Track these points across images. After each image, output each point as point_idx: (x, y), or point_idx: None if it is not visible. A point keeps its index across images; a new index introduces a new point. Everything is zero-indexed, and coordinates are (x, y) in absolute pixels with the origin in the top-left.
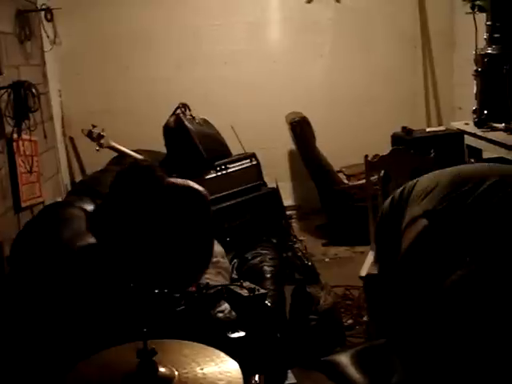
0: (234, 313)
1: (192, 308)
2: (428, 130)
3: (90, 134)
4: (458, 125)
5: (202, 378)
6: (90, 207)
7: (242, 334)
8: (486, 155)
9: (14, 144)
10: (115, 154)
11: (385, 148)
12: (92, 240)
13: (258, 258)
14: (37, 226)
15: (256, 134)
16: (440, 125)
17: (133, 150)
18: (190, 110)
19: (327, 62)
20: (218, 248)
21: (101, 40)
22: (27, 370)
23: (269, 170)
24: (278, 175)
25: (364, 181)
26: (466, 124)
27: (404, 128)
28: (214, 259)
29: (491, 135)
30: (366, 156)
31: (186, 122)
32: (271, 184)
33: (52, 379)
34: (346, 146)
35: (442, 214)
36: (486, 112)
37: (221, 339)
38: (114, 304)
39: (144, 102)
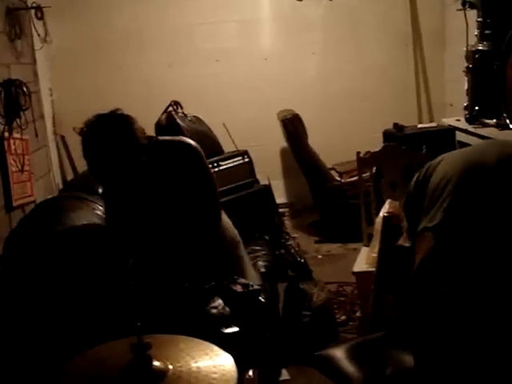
0: (227, 308)
1: (186, 304)
2: (419, 126)
3: (82, 132)
4: (449, 121)
5: (196, 372)
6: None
7: (235, 329)
8: None
9: (5, 143)
10: None
11: (377, 145)
12: (88, 232)
13: (252, 255)
14: (29, 224)
15: (248, 131)
16: (431, 121)
17: None
18: (181, 108)
19: (319, 59)
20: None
21: (92, 38)
22: (22, 365)
23: (261, 168)
24: (271, 173)
25: (356, 178)
26: (458, 120)
27: (395, 124)
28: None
29: (482, 131)
30: (358, 153)
31: (178, 120)
32: (263, 181)
33: (47, 374)
34: (338, 143)
35: (445, 229)
36: (477, 108)
37: (214, 335)
38: (108, 299)
39: (136, 101)
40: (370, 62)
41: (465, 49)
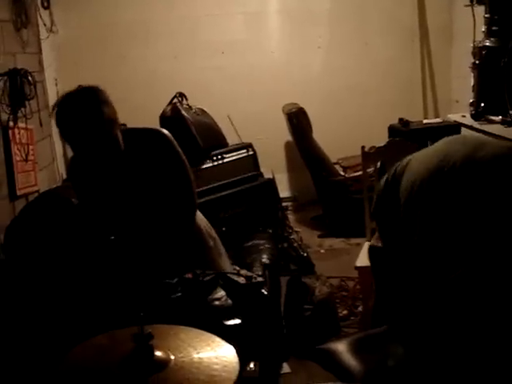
0: (230, 300)
1: (188, 295)
2: (425, 121)
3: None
4: (454, 117)
5: (198, 363)
6: None
7: (237, 321)
8: None
9: (10, 132)
10: None
11: (382, 140)
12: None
13: (255, 248)
14: (31, 213)
15: (253, 124)
16: (437, 117)
17: None
18: (186, 100)
19: (325, 53)
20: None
21: (98, 29)
22: (24, 354)
23: (265, 161)
24: (275, 166)
25: (360, 172)
26: (463, 116)
27: (401, 120)
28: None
29: (488, 128)
30: (363, 147)
31: (183, 111)
32: (267, 175)
33: (49, 363)
34: (343, 137)
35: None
36: (482, 105)
37: (216, 326)
38: (110, 289)
39: (141, 92)
40: (376, 56)
41: (472, 45)
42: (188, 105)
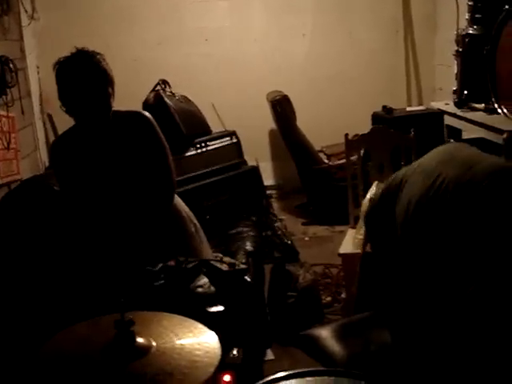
0: (213, 287)
1: (171, 282)
2: (408, 109)
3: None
4: (438, 105)
5: (180, 349)
6: None
7: (220, 308)
8: (465, 135)
9: None
10: None
11: (366, 128)
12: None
13: (239, 236)
14: (13, 201)
15: (237, 112)
16: (420, 105)
17: None
18: (170, 87)
19: (309, 41)
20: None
21: (80, 16)
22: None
23: (249, 149)
24: (259, 154)
25: (344, 160)
26: (447, 104)
27: (384, 107)
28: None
29: (471, 115)
30: (347, 135)
31: (166, 99)
32: (252, 163)
33: (30, 351)
34: (327, 125)
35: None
36: (466, 92)
37: (199, 313)
38: (92, 276)
39: (124, 79)
40: (361, 44)
41: (455, 33)
42: (171, 92)
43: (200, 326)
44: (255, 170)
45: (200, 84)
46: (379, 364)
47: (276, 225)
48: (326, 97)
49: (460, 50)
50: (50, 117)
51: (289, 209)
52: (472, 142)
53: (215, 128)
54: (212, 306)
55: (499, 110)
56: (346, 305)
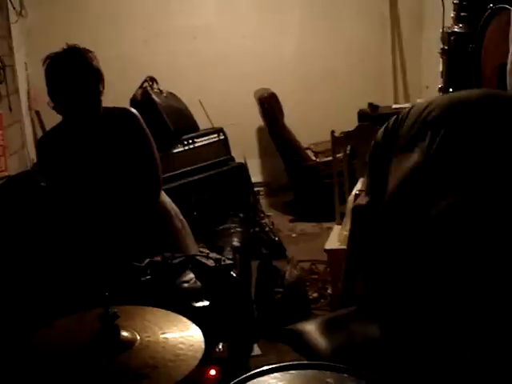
0: (199, 283)
1: (157, 277)
2: (394, 106)
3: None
4: None
5: (164, 342)
6: None
7: (206, 303)
8: None
9: None
10: None
11: (353, 125)
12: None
13: (226, 232)
14: (1, 197)
15: (224, 109)
16: (407, 103)
17: None
18: (157, 84)
19: (296, 38)
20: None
21: (68, 13)
22: None
23: (237, 146)
24: (247, 151)
25: (331, 158)
26: None
27: (370, 104)
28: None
29: None
30: (333, 132)
31: (153, 96)
32: (239, 160)
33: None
34: (315, 122)
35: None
36: (451, 90)
37: (185, 308)
38: (78, 271)
39: (111, 76)
40: (348, 42)
41: (441, 31)
42: (159, 89)
43: (184, 319)
44: (243, 167)
45: (187, 81)
46: (363, 357)
47: (263, 221)
48: (313, 94)
49: (446, 47)
50: (37, 114)
51: (276, 205)
52: None
53: (202, 125)
54: (198, 301)
55: None
56: (332, 300)
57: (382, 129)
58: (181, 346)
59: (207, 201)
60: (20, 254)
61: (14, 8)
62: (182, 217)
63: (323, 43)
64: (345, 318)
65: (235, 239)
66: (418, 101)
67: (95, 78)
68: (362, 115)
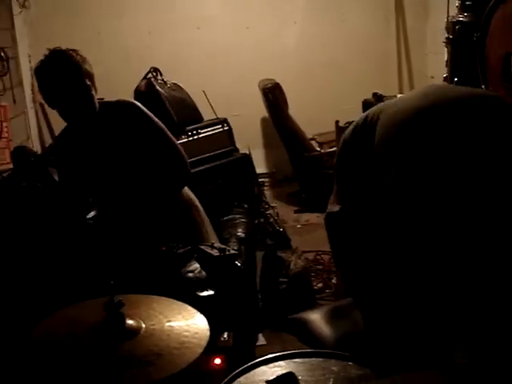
0: (203, 272)
1: (162, 267)
2: (399, 95)
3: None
4: None
5: (169, 330)
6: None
7: (211, 292)
8: None
9: None
10: None
11: (358, 115)
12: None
13: (230, 223)
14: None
15: (229, 100)
16: None
17: None
18: (161, 75)
19: (301, 28)
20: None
21: (71, 5)
22: None
23: (241, 137)
24: (251, 142)
25: (336, 148)
26: None
27: (375, 94)
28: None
29: None
30: (337, 122)
31: (157, 86)
32: (244, 151)
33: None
34: (319, 113)
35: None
36: (456, 79)
37: (190, 298)
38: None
39: (116, 67)
40: (352, 32)
41: (446, 20)
42: (163, 80)
43: (189, 308)
44: (247, 158)
45: (192, 72)
46: (367, 344)
47: (268, 212)
48: (318, 85)
49: (450, 37)
50: (41, 106)
51: (281, 196)
52: None
53: (206, 116)
54: (203, 290)
55: None
56: (336, 290)
57: (351, 128)
58: (186, 333)
59: (211, 191)
60: (26, 244)
61: (17, 0)
62: (200, 206)
63: (327, 32)
64: (348, 306)
65: (240, 230)
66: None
67: (77, 73)
68: (366, 105)
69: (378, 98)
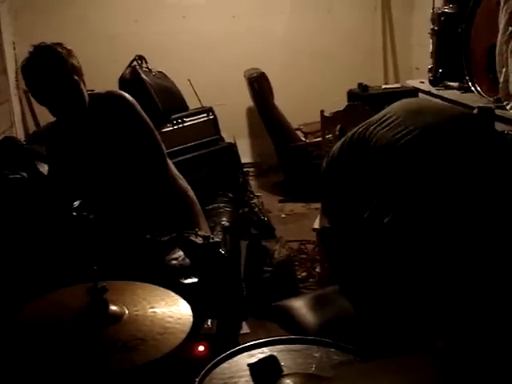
0: (187, 260)
1: (146, 254)
2: (384, 87)
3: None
4: (413, 83)
5: (152, 316)
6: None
7: (194, 280)
8: None
9: None
10: None
11: (343, 106)
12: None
13: (215, 212)
14: None
15: (214, 89)
16: (397, 83)
17: None
18: (146, 63)
19: (288, 18)
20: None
21: None
22: None
23: (226, 127)
24: (236, 132)
25: (321, 138)
26: (422, 82)
27: (360, 84)
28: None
29: (445, 93)
30: (322, 111)
31: (142, 74)
32: (229, 140)
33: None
34: (305, 103)
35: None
36: (440, 71)
37: (174, 285)
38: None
39: (101, 55)
40: (339, 22)
41: (431, 12)
42: (148, 68)
43: (172, 294)
44: (231, 147)
45: (177, 60)
46: (350, 331)
47: (253, 202)
48: (303, 75)
49: (435, 28)
50: (26, 93)
51: (266, 186)
52: None
53: (192, 105)
54: (187, 278)
55: (473, 88)
56: (320, 279)
57: (338, 146)
58: (169, 319)
59: (196, 180)
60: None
61: None
62: (193, 194)
63: (314, 23)
64: (332, 294)
65: (224, 219)
66: (408, 81)
67: (66, 71)
68: (352, 95)
69: (363, 88)
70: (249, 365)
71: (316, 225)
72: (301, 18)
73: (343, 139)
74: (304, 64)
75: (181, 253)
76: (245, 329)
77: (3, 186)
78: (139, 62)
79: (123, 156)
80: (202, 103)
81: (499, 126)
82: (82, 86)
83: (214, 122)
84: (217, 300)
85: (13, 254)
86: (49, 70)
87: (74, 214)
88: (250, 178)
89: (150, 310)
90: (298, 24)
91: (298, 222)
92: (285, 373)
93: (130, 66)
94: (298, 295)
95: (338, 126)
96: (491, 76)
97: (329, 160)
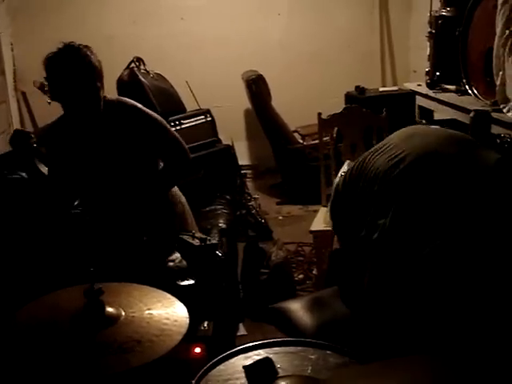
0: (184, 262)
1: (143, 256)
2: (381, 89)
3: (41, 87)
4: (410, 86)
5: (149, 318)
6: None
7: (191, 281)
8: (437, 116)
9: None
10: None
11: (340, 108)
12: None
13: (212, 214)
14: None
15: (212, 91)
16: (394, 86)
17: None
18: (144, 65)
19: (285, 20)
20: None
21: None
22: None
23: (224, 129)
24: (234, 134)
25: (318, 141)
26: (419, 85)
27: (357, 87)
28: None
29: (442, 96)
30: (320, 114)
31: (140, 76)
32: (227, 142)
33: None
34: (302, 105)
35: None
36: (438, 74)
37: (171, 287)
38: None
39: (99, 56)
40: (336, 24)
41: (429, 15)
42: (146, 70)
43: (169, 296)
44: (229, 149)
45: (175, 62)
46: (346, 333)
47: (250, 204)
48: (301, 77)
49: (433, 31)
50: (23, 94)
51: (263, 188)
52: (443, 122)
53: (190, 107)
54: (183, 279)
55: (470, 91)
56: (317, 281)
57: (341, 180)
58: (165, 321)
59: (194, 182)
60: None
61: None
62: (183, 200)
63: (311, 26)
64: (329, 296)
65: (221, 221)
66: (405, 84)
67: (91, 74)
68: (349, 98)
69: (361, 90)
70: (244, 367)
71: (313, 227)
72: (298, 20)
73: (345, 175)
74: (301, 66)
75: (178, 255)
76: (242, 331)
77: (3, 186)
78: (137, 63)
79: (137, 160)
80: (200, 105)
81: (496, 130)
82: (101, 92)
83: (212, 123)
84: (213, 302)
85: (11, 254)
86: (76, 71)
87: (72, 214)
88: (248, 180)
89: (147, 312)
90: (295, 26)
91: (295, 224)
92: (280, 375)
93: (127, 67)
94: (295, 297)
95: (336, 129)
96: (488, 79)
97: (334, 193)
